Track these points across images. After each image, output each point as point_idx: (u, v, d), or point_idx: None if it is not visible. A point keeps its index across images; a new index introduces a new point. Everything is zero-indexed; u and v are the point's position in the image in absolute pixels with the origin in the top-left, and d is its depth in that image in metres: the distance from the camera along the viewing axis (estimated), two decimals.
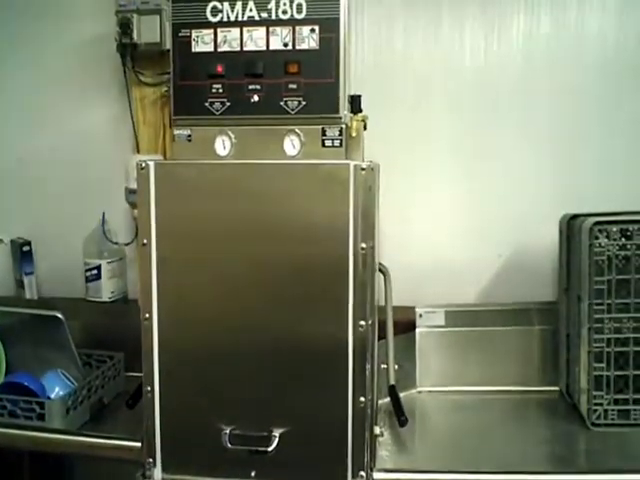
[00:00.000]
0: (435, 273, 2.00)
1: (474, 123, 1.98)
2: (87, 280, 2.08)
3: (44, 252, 2.21)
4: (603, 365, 1.58)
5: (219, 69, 1.40)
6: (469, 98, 1.97)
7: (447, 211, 2.01)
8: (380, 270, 1.59)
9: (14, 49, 2.17)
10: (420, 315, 1.86)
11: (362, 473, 1.36)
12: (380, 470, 1.40)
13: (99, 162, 2.14)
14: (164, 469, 1.44)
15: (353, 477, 1.37)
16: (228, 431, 1.39)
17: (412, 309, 1.88)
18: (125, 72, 2.01)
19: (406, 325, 1.84)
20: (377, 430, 1.42)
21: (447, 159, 2.00)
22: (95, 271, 2.07)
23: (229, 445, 1.38)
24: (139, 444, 1.46)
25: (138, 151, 2.04)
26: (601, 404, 1.59)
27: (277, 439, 1.37)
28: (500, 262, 2.00)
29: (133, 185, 1.85)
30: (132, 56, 1.98)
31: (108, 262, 2.07)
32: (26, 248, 2.15)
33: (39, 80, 2.17)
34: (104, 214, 2.08)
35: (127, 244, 2.13)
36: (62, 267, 2.19)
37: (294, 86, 1.38)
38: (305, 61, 1.37)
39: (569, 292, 1.71)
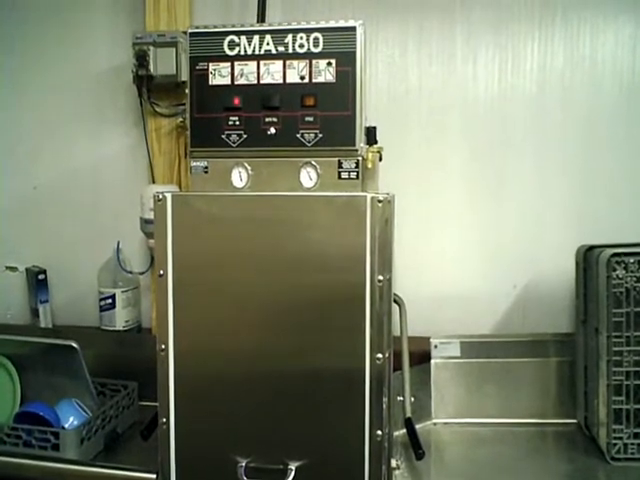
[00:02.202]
0: (450, 304, 1.99)
1: (488, 154, 1.98)
2: (101, 309, 2.09)
3: (59, 281, 2.22)
4: (622, 398, 1.56)
5: (236, 102, 1.41)
6: (483, 129, 1.98)
7: (461, 241, 2.01)
8: (395, 301, 1.58)
9: (31, 79, 2.20)
10: (435, 346, 1.85)
11: None
12: None
13: (114, 191, 2.15)
14: None
15: None
16: (244, 464, 1.38)
17: (427, 340, 1.87)
18: (141, 103, 2.03)
19: (421, 356, 1.83)
20: (394, 463, 1.41)
21: (461, 189, 2.00)
22: (109, 300, 2.07)
23: (245, 478, 1.37)
24: (154, 476, 1.46)
25: (153, 181, 2.05)
26: (621, 438, 1.57)
27: (293, 472, 1.36)
28: (515, 293, 1.99)
29: (148, 215, 1.89)
30: (148, 87, 2.00)
31: (122, 291, 2.08)
32: (41, 276, 2.16)
33: (56, 109, 2.19)
34: (119, 243, 2.09)
35: (142, 273, 2.14)
36: (77, 296, 2.20)
37: (310, 119, 1.39)
38: (321, 94, 1.38)
39: (586, 324, 1.70)
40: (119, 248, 2.09)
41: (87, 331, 2.12)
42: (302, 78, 1.39)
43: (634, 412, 1.57)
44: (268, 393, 1.38)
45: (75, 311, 2.20)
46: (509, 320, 1.98)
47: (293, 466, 1.37)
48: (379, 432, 1.34)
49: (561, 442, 1.72)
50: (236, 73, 1.42)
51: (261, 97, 1.40)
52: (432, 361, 1.84)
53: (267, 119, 1.40)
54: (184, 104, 1.83)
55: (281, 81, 1.40)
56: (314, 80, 1.39)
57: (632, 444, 1.57)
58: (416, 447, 1.46)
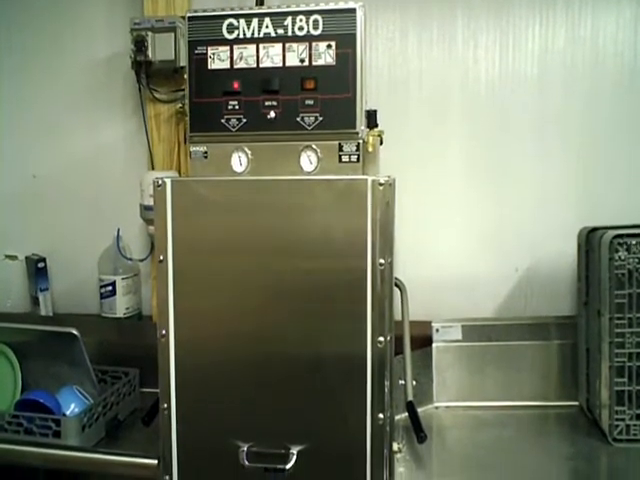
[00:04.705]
0: (451, 287, 1.98)
1: (489, 136, 1.97)
2: (102, 296, 2.08)
3: (59, 269, 2.21)
4: (625, 380, 1.56)
5: (235, 86, 1.40)
6: (484, 112, 1.97)
7: (463, 225, 2.00)
8: (396, 285, 1.58)
9: (30, 67, 2.18)
10: (437, 330, 1.85)
11: None
12: None
13: (114, 178, 2.14)
14: None
15: None
16: (245, 449, 1.38)
17: (428, 324, 1.86)
18: (140, 89, 2.02)
19: (422, 340, 1.82)
20: (395, 446, 1.40)
21: (462, 173, 1.99)
22: (110, 287, 2.06)
23: (246, 463, 1.37)
24: (155, 461, 1.46)
25: (153, 167, 2.04)
26: (623, 419, 1.57)
27: (295, 457, 1.36)
28: (517, 276, 1.98)
29: (148, 201, 1.88)
30: (147, 73, 1.98)
31: (123, 278, 2.07)
32: (41, 265, 2.15)
33: (54, 97, 2.18)
34: (119, 230, 2.08)
35: (142, 260, 2.13)
36: (77, 283, 2.20)
37: (311, 102, 1.38)
38: (322, 77, 1.37)
39: (588, 306, 1.70)
40: (119, 235, 2.08)
41: (87, 319, 2.12)
42: (302, 61, 1.38)
43: (636, 393, 1.57)
44: (269, 378, 1.38)
45: (75, 299, 2.20)
46: (511, 303, 1.98)
47: (295, 450, 1.36)
48: (381, 415, 1.33)
49: (563, 424, 1.72)
50: (235, 57, 1.40)
51: (261, 81, 1.39)
52: (434, 345, 1.84)
53: (267, 103, 1.39)
54: (183, 90, 1.82)
55: (281, 64, 1.39)
56: (314, 63, 1.38)
57: (635, 425, 1.57)
58: (418, 430, 1.46)
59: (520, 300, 1.99)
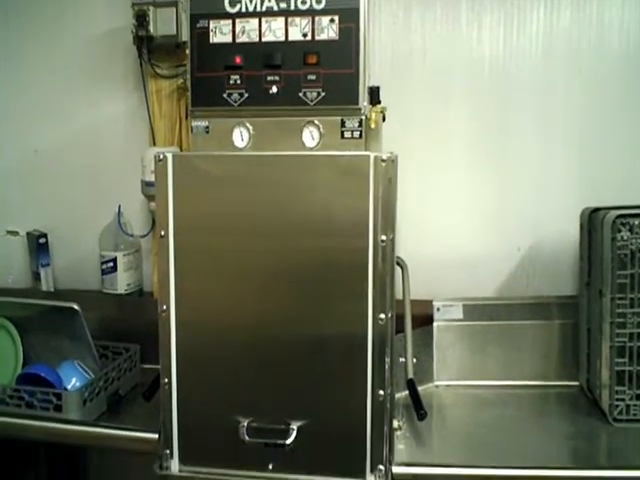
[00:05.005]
0: (453, 267, 1.97)
1: (492, 115, 1.95)
2: (103, 272, 2.08)
3: (60, 244, 2.21)
4: (625, 360, 1.56)
5: (237, 60, 1.39)
6: (487, 91, 1.95)
7: (465, 204, 1.99)
8: (398, 263, 1.57)
9: (31, 42, 2.16)
10: (438, 309, 1.84)
11: (380, 467, 1.36)
12: (399, 464, 1.39)
13: (115, 154, 2.13)
14: (181, 461, 1.44)
15: (372, 470, 1.36)
16: (246, 424, 1.38)
17: (429, 303, 1.86)
18: (141, 65, 2.00)
19: (423, 319, 1.82)
20: (395, 424, 1.41)
21: (465, 152, 1.97)
22: (111, 263, 2.06)
23: (247, 438, 1.38)
24: (156, 436, 1.47)
25: (154, 143, 2.03)
26: (623, 399, 1.57)
27: (295, 432, 1.37)
28: (519, 255, 1.98)
29: (149, 178, 1.87)
30: (148, 49, 1.96)
31: (124, 254, 2.07)
32: (42, 240, 2.15)
33: (55, 72, 2.16)
34: (120, 206, 2.08)
35: (143, 236, 2.12)
36: (78, 259, 2.19)
37: (313, 77, 1.37)
38: (324, 52, 1.36)
39: (590, 286, 1.69)
40: (120, 211, 2.07)
41: (88, 294, 2.11)
42: (304, 35, 1.37)
43: (637, 374, 1.56)
44: (271, 353, 1.38)
45: (76, 275, 2.19)
46: (512, 283, 1.97)
47: (295, 426, 1.37)
48: (381, 392, 1.34)
49: (563, 404, 1.72)
50: (237, 31, 1.40)
51: (263, 55, 1.38)
52: (434, 324, 1.83)
53: (269, 78, 1.39)
54: (185, 65, 1.79)
55: (283, 39, 1.38)
56: (317, 37, 1.37)
57: (635, 405, 1.56)
58: (418, 407, 1.46)
59: (522, 280, 1.98)
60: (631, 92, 1.89)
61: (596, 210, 1.68)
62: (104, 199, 2.11)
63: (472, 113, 1.96)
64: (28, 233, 2.19)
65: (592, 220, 1.68)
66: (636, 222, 1.55)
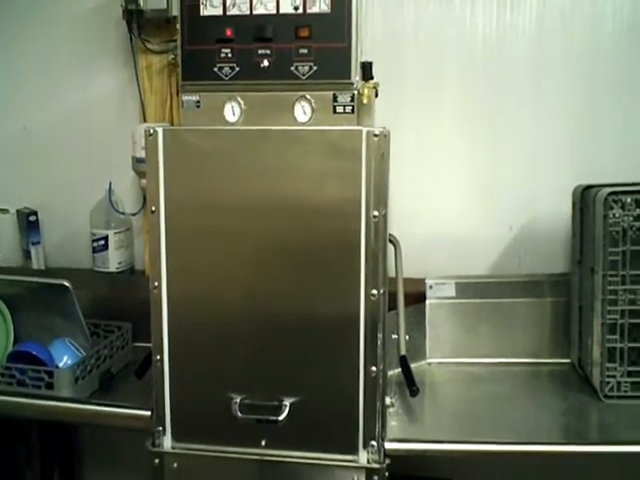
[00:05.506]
0: (445, 245, 1.97)
1: (486, 92, 1.94)
2: (94, 250, 2.07)
3: (50, 222, 2.19)
4: (616, 337, 1.56)
5: (228, 33, 1.37)
6: (481, 67, 1.93)
7: (458, 182, 1.98)
8: (390, 241, 1.57)
9: (18, 17, 2.13)
10: (430, 286, 1.84)
11: (373, 442, 1.36)
12: (391, 440, 1.39)
13: (105, 131, 2.11)
14: (173, 438, 1.44)
15: (364, 447, 1.36)
16: (238, 400, 1.38)
17: (422, 281, 1.85)
18: (131, 40, 1.98)
19: (416, 297, 1.81)
20: (388, 400, 1.41)
21: (458, 129, 1.96)
22: (102, 242, 2.05)
23: (239, 414, 1.37)
24: (148, 413, 1.47)
25: (145, 120, 2.01)
26: (614, 376, 1.57)
27: (287, 408, 1.37)
28: (511, 234, 1.97)
29: (140, 154, 1.85)
30: (138, 23, 1.94)
31: (115, 232, 2.05)
32: (32, 218, 2.13)
33: (43, 48, 2.13)
34: (111, 184, 2.06)
35: (134, 214, 2.11)
36: (69, 237, 2.18)
37: (305, 51, 1.35)
38: (316, 25, 1.34)
39: (582, 264, 1.69)
40: (111, 189, 2.06)
41: (80, 272, 2.11)
42: (296, 8, 1.35)
43: (628, 351, 1.57)
44: (263, 330, 1.38)
45: (67, 253, 2.18)
46: (505, 262, 1.97)
47: (287, 402, 1.37)
48: (374, 368, 1.34)
49: (555, 381, 1.72)
50: (228, 3, 1.37)
51: (254, 28, 1.36)
52: (427, 301, 1.83)
53: (260, 51, 1.37)
54: (175, 40, 1.77)
55: (274, 11, 1.36)
56: (308, 10, 1.35)
57: (625, 382, 1.57)
58: (410, 384, 1.47)
59: (514, 258, 1.98)
60: (625, 68, 1.88)
61: (588, 188, 1.67)
62: (95, 176, 2.10)
63: (465, 91, 1.95)
64: (18, 211, 2.17)
65: (584, 198, 1.68)
66: (628, 199, 1.55)
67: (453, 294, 1.84)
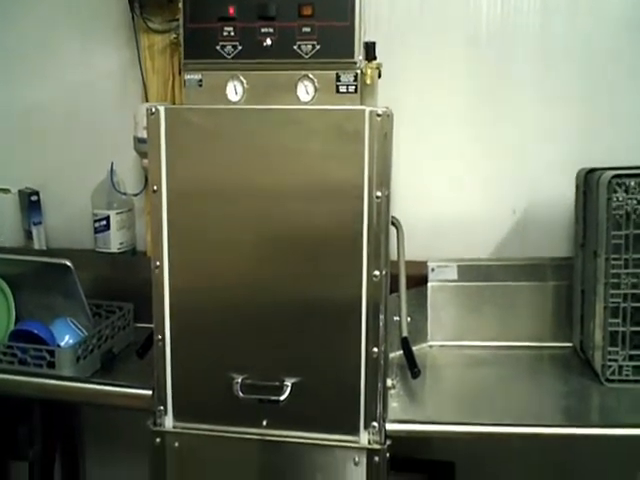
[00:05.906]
0: (448, 228, 1.96)
1: (490, 74, 1.92)
2: (96, 231, 2.06)
3: (52, 203, 2.18)
4: (619, 321, 1.56)
5: (231, 11, 1.36)
6: (485, 49, 1.91)
7: (460, 165, 1.97)
8: (393, 223, 1.56)
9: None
10: (432, 269, 1.84)
11: (374, 424, 1.36)
12: (392, 421, 1.39)
13: (107, 111, 2.09)
14: (175, 417, 1.44)
15: (365, 427, 1.37)
16: (240, 380, 1.38)
17: (424, 264, 1.85)
18: (133, 18, 1.96)
19: (418, 280, 1.81)
20: (389, 382, 1.41)
21: (462, 112, 1.94)
22: (104, 222, 2.04)
23: (241, 394, 1.38)
24: (150, 392, 1.47)
25: (147, 99, 2.00)
26: (616, 360, 1.57)
27: (289, 389, 1.37)
28: (514, 218, 1.96)
29: (142, 134, 1.84)
30: (140, 3, 1.93)
31: (117, 213, 2.05)
32: (34, 198, 2.13)
33: (43, 27, 2.12)
34: (112, 164, 2.05)
35: (136, 195, 2.10)
36: (71, 218, 2.17)
37: (308, 29, 1.34)
38: (319, 3, 1.33)
39: (585, 247, 1.68)
40: (113, 169, 2.05)
41: (81, 253, 2.10)
42: None
43: (630, 334, 1.56)
44: (265, 310, 1.38)
45: (69, 233, 2.18)
46: (508, 245, 1.96)
47: (289, 383, 1.37)
48: (375, 349, 1.34)
49: (556, 365, 1.72)
50: None
51: (256, 6, 1.35)
52: (429, 284, 1.82)
53: (263, 30, 1.35)
54: (178, 19, 1.76)
55: None
56: None
57: (627, 366, 1.56)
58: (412, 365, 1.47)
59: (517, 241, 1.97)
60: (631, 48, 1.86)
61: (592, 171, 1.66)
62: (97, 156, 2.09)
63: (469, 72, 1.93)
64: (20, 191, 2.16)
65: (588, 181, 1.67)
66: (632, 183, 1.54)
67: (455, 277, 1.83)
